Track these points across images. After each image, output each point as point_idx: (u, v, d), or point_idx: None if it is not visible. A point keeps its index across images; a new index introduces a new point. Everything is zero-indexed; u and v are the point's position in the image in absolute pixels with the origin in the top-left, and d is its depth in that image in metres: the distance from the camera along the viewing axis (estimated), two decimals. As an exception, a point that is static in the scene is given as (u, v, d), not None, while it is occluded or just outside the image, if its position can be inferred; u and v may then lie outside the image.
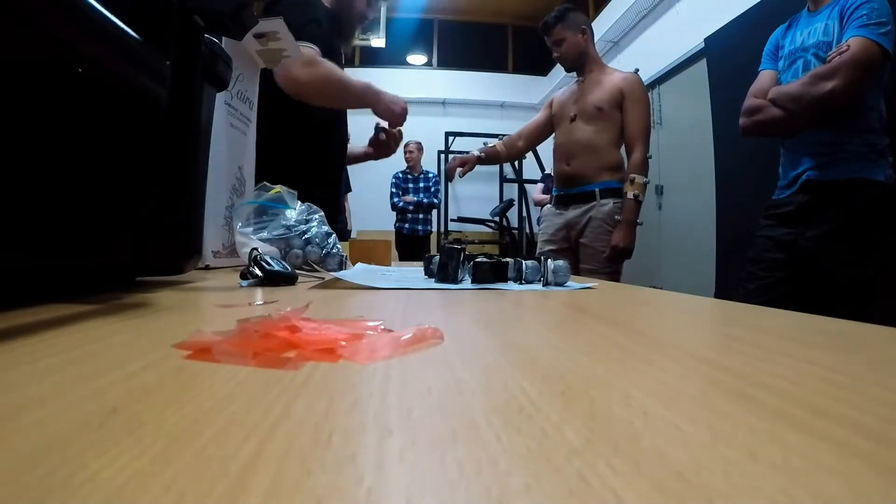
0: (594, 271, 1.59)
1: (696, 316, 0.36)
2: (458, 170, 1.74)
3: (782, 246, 1.20)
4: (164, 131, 0.36)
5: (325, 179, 1.23)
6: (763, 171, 1.48)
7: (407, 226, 3.89)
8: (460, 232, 5.03)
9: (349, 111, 1.31)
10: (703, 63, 2.94)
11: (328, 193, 1.19)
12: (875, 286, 1.09)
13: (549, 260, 0.51)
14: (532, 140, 1.90)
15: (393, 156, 1.39)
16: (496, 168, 5.38)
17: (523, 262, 0.52)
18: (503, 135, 1.97)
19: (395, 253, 3.13)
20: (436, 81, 5.71)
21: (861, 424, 0.12)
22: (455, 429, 0.11)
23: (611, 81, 1.63)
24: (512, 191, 5.33)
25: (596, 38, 1.80)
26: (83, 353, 0.18)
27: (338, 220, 1.37)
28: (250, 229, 0.63)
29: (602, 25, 4.05)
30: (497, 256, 0.53)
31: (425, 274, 0.57)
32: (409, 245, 3.81)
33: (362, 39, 4.93)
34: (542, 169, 4.34)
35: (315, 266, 0.62)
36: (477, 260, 0.50)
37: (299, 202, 0.68)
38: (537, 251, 1.83)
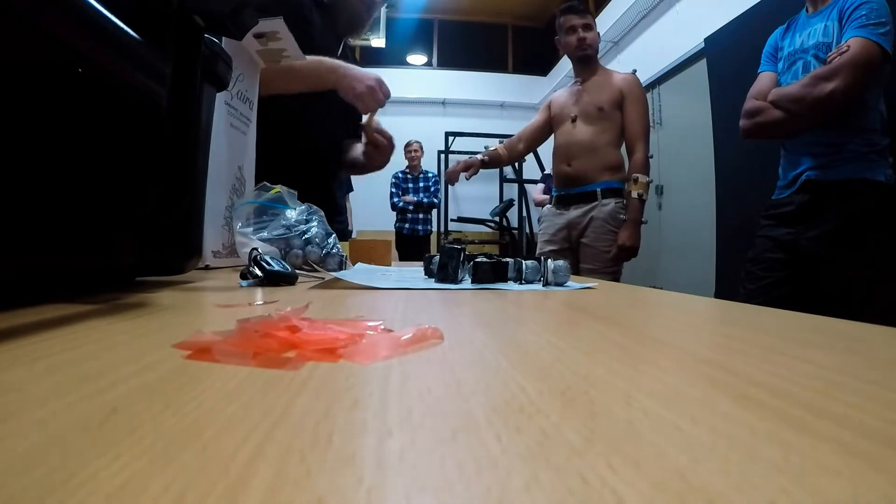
0: (595, 271, 1.60)
1: (696, 316, 0.36)
2: (463, 174, 1.74)
3: (783, 246, 1.20)
4: (164, 131, 0.36)
5: (308, 182, 1.00)
6: (763, 171, 1.48)
7: (407, 226, 3.89)
8: (460, 232, 5.04)
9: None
10: (702, 63, 2.94)
11: (318, 195, 1.04)
12: (875, 286, 1.09)
13: (549, 260, 0.51)
14: (532, 142, 1.90)
15: (393, 156, 1.25)
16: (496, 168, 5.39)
17: (523, 262, 0.52)
18: (503, 135, 1.98)
19: (395, 253, 3.13)
20: (436, 81, 5.71)
21: (861, 424, 0.12)
22: (455, 429, 0.11)
23: (611, 82, 1.65)
24: (512, 191, 5.33)
25: (596, 39, 1.81)
26: (83, 353, 0.18)
27: (338, 220, 1.34)
28: (250, 229, 0.63)
29: (602, 25, 4.04)
30: (497, 256, 0.53)
31: (425, 274, 0.57)
32: (409, 245, 3.81)
33: (362, 39, 4.92)
34: (542, 169, 4.34)
35: (315, 266, 0.62)
36: (477, 260, 0.50)
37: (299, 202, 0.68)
38: (537, 251, 1.83)
